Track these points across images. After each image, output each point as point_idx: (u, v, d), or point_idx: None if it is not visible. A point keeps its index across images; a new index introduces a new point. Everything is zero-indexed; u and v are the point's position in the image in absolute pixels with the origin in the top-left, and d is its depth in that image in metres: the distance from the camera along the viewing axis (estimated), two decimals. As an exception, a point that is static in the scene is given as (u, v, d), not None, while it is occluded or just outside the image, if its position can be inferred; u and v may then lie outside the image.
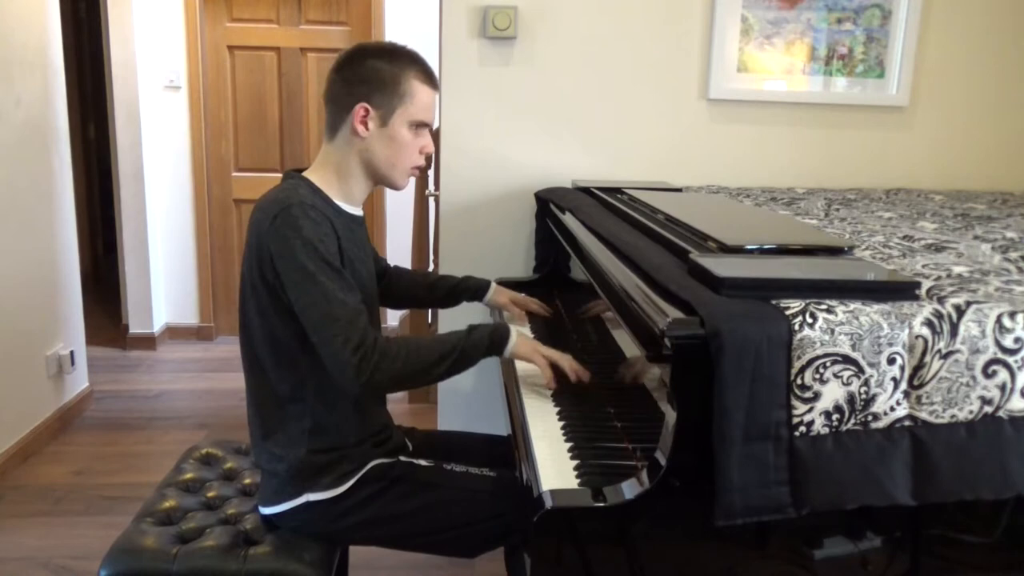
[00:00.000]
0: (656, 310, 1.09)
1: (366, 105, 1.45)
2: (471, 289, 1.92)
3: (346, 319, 1.34)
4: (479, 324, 1.50)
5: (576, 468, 1.24)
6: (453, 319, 2.37)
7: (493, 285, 1.94)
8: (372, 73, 1.46)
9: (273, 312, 1.42)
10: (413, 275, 1.94)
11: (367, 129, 1.47)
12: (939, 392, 1.04)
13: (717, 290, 1.08)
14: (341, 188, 1.52)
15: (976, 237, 1.58)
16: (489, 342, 1.47)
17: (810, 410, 1.01)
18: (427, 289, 1.91)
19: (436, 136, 3.03)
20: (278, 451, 1.47)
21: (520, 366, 1.63)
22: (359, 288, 1.44)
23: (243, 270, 1.46)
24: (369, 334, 1.36)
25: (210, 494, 1.65)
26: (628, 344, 1.55)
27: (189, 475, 1.71)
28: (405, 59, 1.49)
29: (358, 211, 1.56)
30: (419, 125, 1.51)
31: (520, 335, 1.51)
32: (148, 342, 4.30)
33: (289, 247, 1.35)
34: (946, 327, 1.03)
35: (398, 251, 4.21)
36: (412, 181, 3.42)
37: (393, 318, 4.39)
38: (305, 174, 1.51)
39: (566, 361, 1.51)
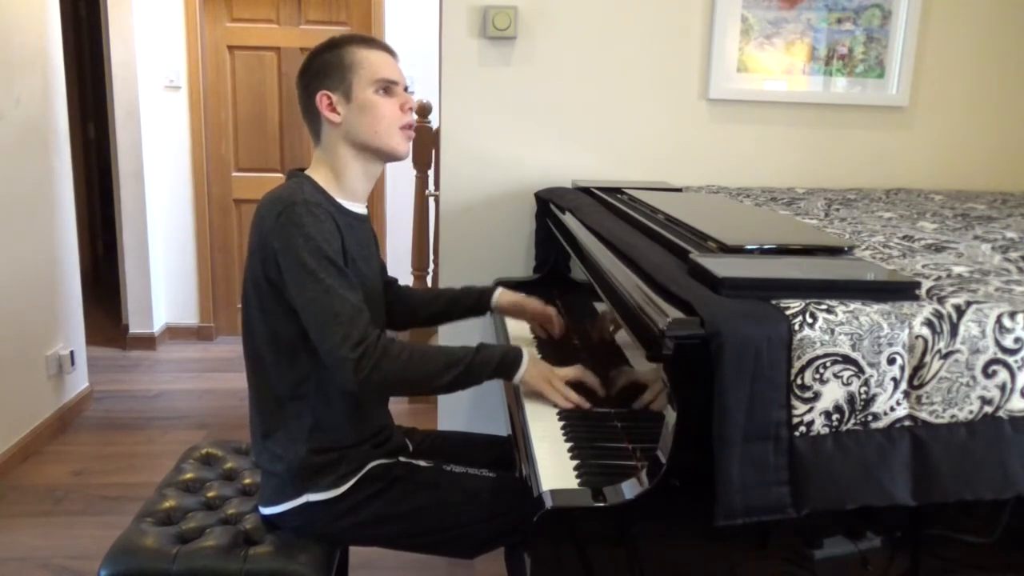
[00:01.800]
0: (656, 310, 1.09)
1: (325, 92, 1.48)
2: (473, 295, 1.84)
3: (347, 316, 1.34)
4: (489, 344, 1.46)
5: (576, 468, 1.24)
6: (455, 329, 2.35)
7: (498, 291, 1.83)
8: (319, 65, 1.50)
9: (276, 309, 1.42)
10: (415, 292, 1.88)
11: (338, 113, 1.48)
12: (939, 392, 1.04)
13: (717, 290, 1.08)
14: (341, 185, 1.52)
15: (976, 237, 1.58)
16: (499, 363, 1.43)
17: (810, 410, 1.01)
18: (428, 303, 1.83)
19: (436, 136, 3.03)
20: (278, 450, 1.47)
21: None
22: (362, 287, 1.44)
23: (246, 268, 1.46)
24: (371, 332, 1.36)
25: (210, 494, 1.65)
26: (628, 344, 1.55)
27: (189, 475, 1.71)
28: (345, 40, 1.51)
29: (362, 209, 1.57)
30: (385, 86, 1.50)
31: (532, 361, 1.47)
32: (148, 342, 4.30)
33: (292, 244, 1.36)
34: (946, 327, 1.03)
35: (398, 251, 4.21)
36: (412, 180, 3.40)
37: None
38: (308, 172, 1.52)
39: (573, 396, 1.46)
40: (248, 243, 1.45)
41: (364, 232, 1.57)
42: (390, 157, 1.54)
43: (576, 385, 1.49)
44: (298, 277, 1.36)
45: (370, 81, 1.48)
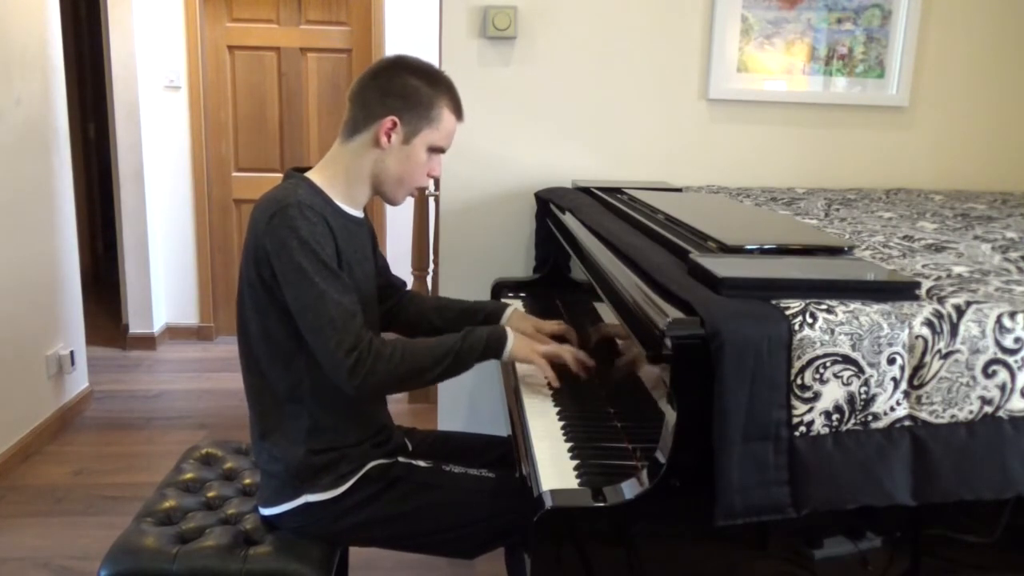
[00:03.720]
0: (656, 310, 1.09)
1: (396, 119, 1.46)
2: (484, 311, 1.74)
3: (341, 320, 1.35)
4: (475, 327, 1.50)
5: (576, 468, 1.24)
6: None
7: (510, 310, 1.73)
8: (410, 90, 1.47)
9: (270, 311, 1.42)
10: (425, 299, 1.83)
11: (389, 142, 1.47)
12: (939, 392, 1.04)
13: (717, 290, 1.08)
14: (345, 190, 1.52)
15: (976, 237, 1.58)
16: (485, 346, 1.47)
17: (810, 410, 1.01)
18: (436, 312, 1.76)
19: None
20: (276, 452, 1.47)
21: (520, 365, 1.63)
22: (356, 290, 1.44)
23: (241, 269, 1.46)
24: (364, 336, 1.36)
25: (210, 494, 1.65)
26: (622, 334, 1.55)
27: (189, 475, 1.71)
28: (442, 86, 1.51)
29: (359, 213, 1.56)
30: (436, 150, 1.53)
31: (517, 337, 1.51)
32: (148, 342, 4.30)
33: (286, 246, 1.36)
34: (946, 327, 1.03)
35: (398, 251, 4.21)
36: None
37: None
38: (309, 173, 1.52)
39: (567, 354, 1.51)
40: (243, 245, 1.46)
41: (360, 235, 1.56)
42: (388, 200, 1.57)
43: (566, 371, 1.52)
44: (292, 280, 1.36)
45: (432, 143, 1.50)
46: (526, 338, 1.53)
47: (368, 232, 1.63)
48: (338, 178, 1.51)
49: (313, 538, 1.49)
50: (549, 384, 1.51)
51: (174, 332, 4.48)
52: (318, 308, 1.35)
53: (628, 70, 2.44)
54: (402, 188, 1.53)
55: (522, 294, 2.29)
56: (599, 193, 2.13)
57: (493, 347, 1.48)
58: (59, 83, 3.21)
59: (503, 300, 2.24)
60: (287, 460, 1.46)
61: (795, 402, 1.01)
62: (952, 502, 1.05)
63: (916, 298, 1.08)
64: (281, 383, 1.46)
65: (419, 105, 1.47)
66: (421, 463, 1.55)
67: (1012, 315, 1.05)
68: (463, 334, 1.47)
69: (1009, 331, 1.04)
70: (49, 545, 2.41)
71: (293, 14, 4.25)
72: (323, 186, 1.49)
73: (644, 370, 1.40)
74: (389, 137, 1.47)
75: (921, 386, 1.04)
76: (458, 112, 1.53)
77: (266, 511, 1.51)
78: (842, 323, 1.01)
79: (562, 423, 1.41)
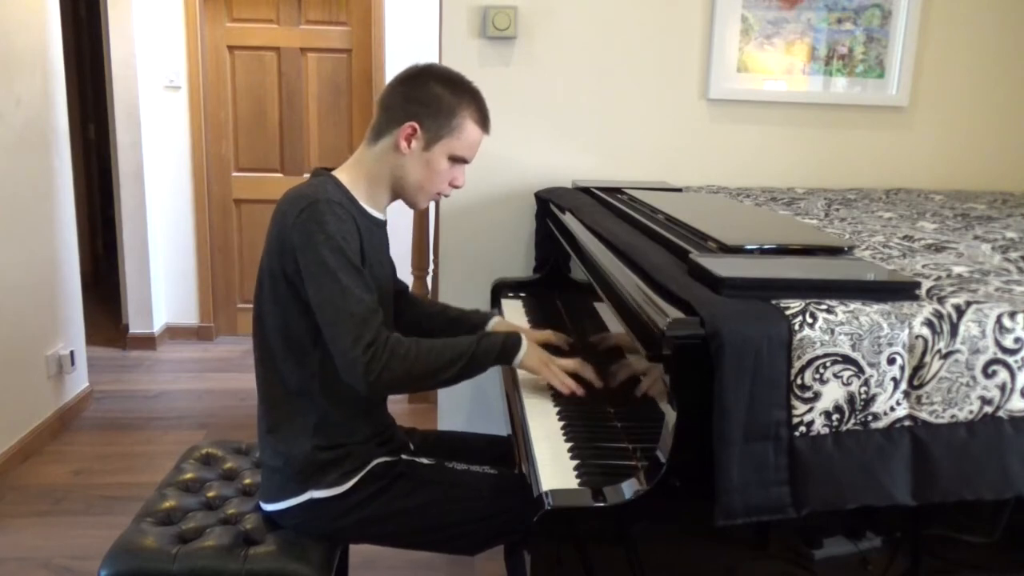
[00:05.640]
0: (656, 310, 1.09)
1: (416, 125, 1.47)
2: (470, 323, 1.77)
3: (361, 316, 1.35)
4: (490, 332, 1.49)
5: (576, 468, 1.24)
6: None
7: (494, 320, 1.79)
8: (432, 97, 1.48)
9: (290, 304, 1.43)
10: (422, 303, 1.87)
11: (409, 147, 1.48)
12: (939, 392, 1.04)
13: (717, 290, 1.08)
14: (368, 192, 1.53)
15: (976, 237, 1.58)
16: (500, 350, 1.47)
17: (810, 410, 1.01)
18: (428, 318, 1.82)
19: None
20: (283, 447, 1.48)
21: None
22: (376, 289, 1.45)
23: (262, 262, 1.47)
24: (382, 333, 1.37)
25: (210, 494, 1.65)
26: (628, 344, 1.55)
27: (189, 475, 1.71)
28: (467, 95, 1.51)
29: (381, 216, 1.58)
30: (458, 160, 1.53)
31: (531, 346, 1.51)
32: (148, 342, 4.30)
33: (312, 241, 1.37)
34: (946, 327, 1.03)
35: (398, 251, 4.18)
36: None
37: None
38: (335, 173, 1.53)
39: (570, 380, 1.48)
40: (266, 237, 1.46)
41: (381, 237, 1.58)
42: (409, 205, 1.58)
43: (574, 377, 1.50)
44: (316, 274, 1.37)
45: (453, 152, 1.51)
46: (539, 349, 1.53)
47: (386, 235, 1.64)
48: (360, 180, 1.52)
49: (315, 536, 1.49)
50: (550, 386, 1.51)
51: (174, 332, 4.47)
52: (339, 303, 1.35)
53: (628, 70, 2.44)
54: (422, 194, 1.54)
55: (522, 294, 2.29)
56: (599, 193, 2.13)
57: (507, 352, 1.48)
58: (59, 83, 3.21)
59: (502, 299, 2.24)
60: (293, 455, 1.47)
61: (795, 402, 1.01)
62: (952, 502, 1.05)
63: (916, 298, 1.08)
64: (293, 377, 1.47)
65: (440, 113, 1.48)
66: (424, 460, 1.55)
67: (1012, 315, 1.05)
68: (478, 337, 1.47)
69: (1009, 331, 1.04)
70: (49, 545, 2.41)
71: (293, 14, 4.25)
72: (348, 186, 1.50)
73: (643, 369, 1.40)
74: (409, 143, 1.48)
75: (921, 386, 1.04)
76: (483, 124, 1.53)
77: (269, 507, 1.51)
78: (842, 323, 1.01)
79: (562, 423, 1.41)
